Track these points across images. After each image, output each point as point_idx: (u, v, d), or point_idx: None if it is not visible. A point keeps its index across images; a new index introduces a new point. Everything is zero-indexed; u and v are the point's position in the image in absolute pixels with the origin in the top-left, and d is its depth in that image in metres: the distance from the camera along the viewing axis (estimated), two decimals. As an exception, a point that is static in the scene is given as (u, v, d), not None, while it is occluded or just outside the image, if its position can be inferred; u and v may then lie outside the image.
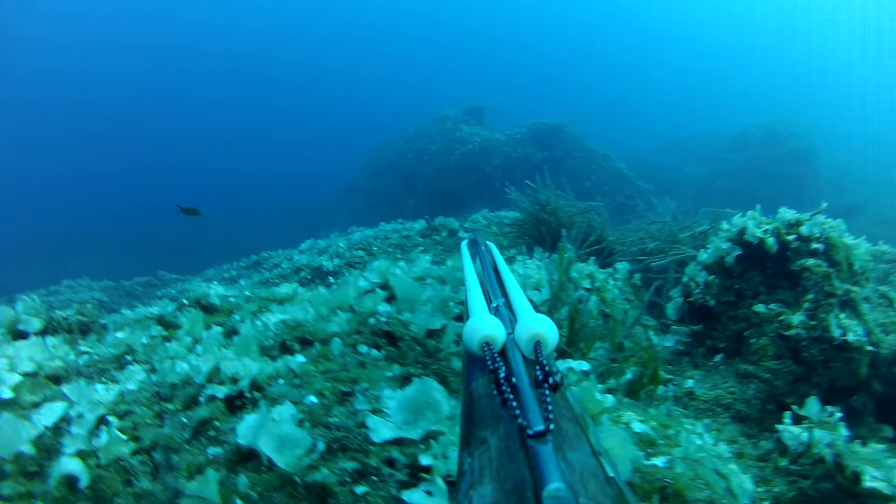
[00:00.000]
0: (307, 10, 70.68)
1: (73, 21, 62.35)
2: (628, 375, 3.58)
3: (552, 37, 70.91)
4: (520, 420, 0.81)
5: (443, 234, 9.30)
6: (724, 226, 4.52)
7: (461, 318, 3.82)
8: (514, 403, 0.86)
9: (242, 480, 2.10)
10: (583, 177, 19.36)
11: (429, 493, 2.11)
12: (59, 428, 2.51)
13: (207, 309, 4.03)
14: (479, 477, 0.84)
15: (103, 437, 2.40)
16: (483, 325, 1.18)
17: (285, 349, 3.01)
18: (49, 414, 2.53)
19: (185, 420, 2.49)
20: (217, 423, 2.43)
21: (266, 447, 2.14)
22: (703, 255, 4.57)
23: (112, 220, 32.58)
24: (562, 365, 3.05)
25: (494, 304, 1.47)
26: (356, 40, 69.46)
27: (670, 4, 74.50)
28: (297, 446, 2.15)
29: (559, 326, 3.74)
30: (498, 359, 1.05)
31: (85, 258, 21.20)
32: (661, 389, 3.68)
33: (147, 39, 63.69)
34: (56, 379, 2.95)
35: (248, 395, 2.56)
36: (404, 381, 2.71)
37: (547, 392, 0.89)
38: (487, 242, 2.49)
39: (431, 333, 3.39)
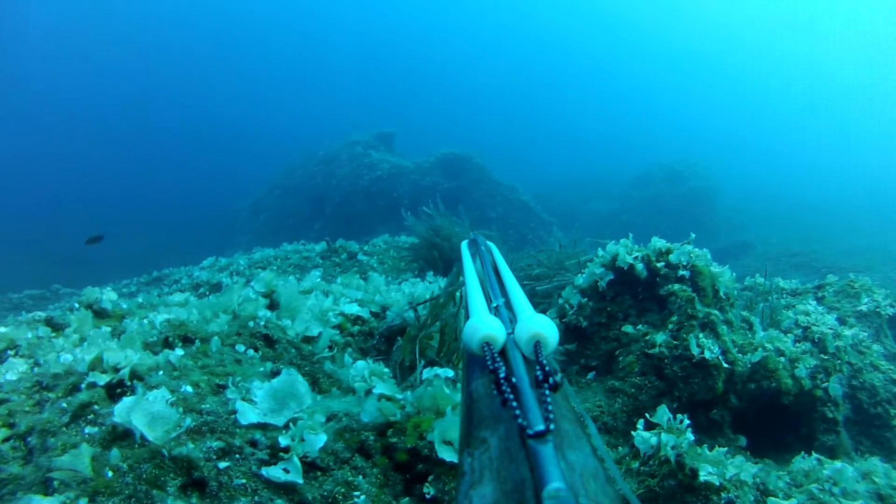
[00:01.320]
0: (222, 25, 69.92)
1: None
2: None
3: (465, 69, 71.76)
4: (520, 420, 0.81)
5: (342, 255, 9.48)
6: (600, 252, 4.79)
7: (339, 327, 4.07)
8: (515, 403, 0.86)
9: (115, 454, 2.27)
10: (488, 207, 19.66)
11: (286, 470, 2.33)
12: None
13: (99, 314, 4.11)
14: (480, 477, 0.85)
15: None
16: (483, 325, 1.19)
17: (167, 345, 3.19)
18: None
19: (64, 405, 2.64)
20: (96, 408, 2.59)
21: (139, 423, 2.33)
22: (579, 280, 4.82)
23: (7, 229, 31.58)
24: (429, 372, 3.25)
25: (494, 305, 1.48)
26: (270, 58, 69.04)
27: (579, 43, 76.40)
28: (167, 422, 2.35)
29: (430, 338, 4.02)
30: (498, 359, 1.04)
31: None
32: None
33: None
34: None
35: (128, 382, 2.73)
36: (274, 376, 2.91)
37: (547, 392, 0.89)
38: (488, 243, 2.45)
39: (308, 339, 3.61)
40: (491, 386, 0.98)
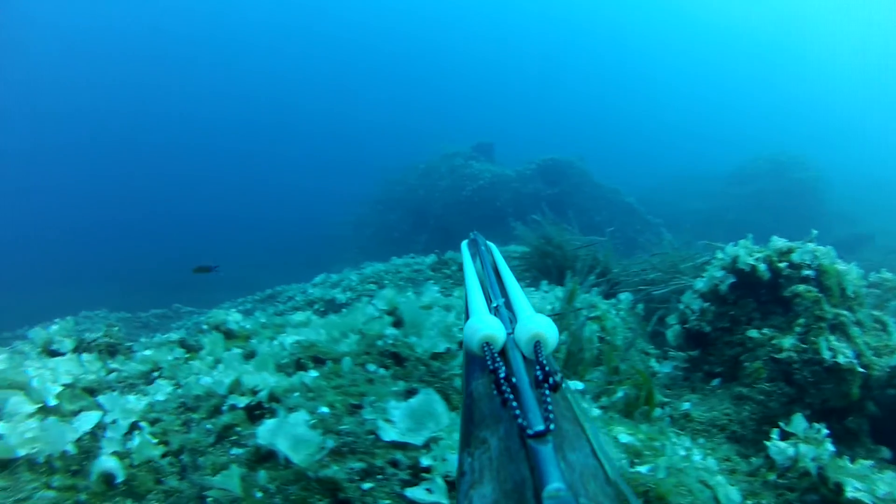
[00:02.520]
0: (317, 44, 71.18)
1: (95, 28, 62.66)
2: (619, 394, 3.78)
3: (559, 73, 71.30)
4: (520, 420, 0.80)
5: (452, 267, 9.46)
6: (719, 255, 4.66)
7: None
8: (515, 403, 0.85)
9: (262, 475, 2.35)
10: (592, 212, 19.35)
11: (429, 490, 2.35)
12: (96, 433, 2.77)
13: (226, 334, 4.26)
14: (480, 477, 0.85)
15: (136, 441, 2.66)
16: (483, 325, 1.16)
17: (299, 366, 3.26)
18: (86, 420, 2.79)
19: (209, 426, 2.75)
20: (239, 429, 2.69)
21: (282, 446, 2.40)
22: (699, 284, 4.72)
23: (124, 251, 32.79)
24: None
25: (494, 304, 1.42)
26: (367, 76, 69.73)
27: (675, 40, 74.92)
28: (310, 445, 2.41)
29: (557, 350, 3.99)
30: (498, 359, 1.03)
31: (98, 289, 21.33)
32: (657, 411, 3.84)
33: (157, 60, 64.16)
34: (91, 391, 3.22)
35: (266, 405, 2.82)
36: (409, 395, 2.94)
37: (547, 392, 0.88)
38: (488, 242, 2.31)
39: (436, 356, 3.63)
40: (491, 386, 0.97)
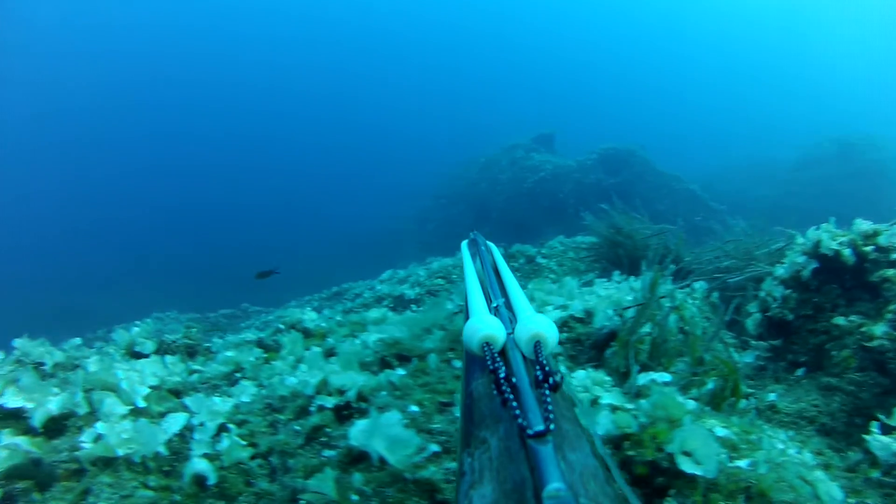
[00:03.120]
0: (379, 39, 71.27)
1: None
2: (709, 386, 3.66)
3: (616, 61, 70.31)
4: (520, 420, 0.80)
5: (520, 260, 9.38)
6: (799, 240, 4.52)
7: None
8: (514, 403, 0.85)
9: (357, 478, 2.29)
10: (655, 200, 18.96)
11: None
12: (184, 435, 2.75)
13: (303, 333, 4.24)
14: (479, 477, 0.85)
15: (224, 443, 2.63)
16: (483, 325, 1.16)
17: (385, 364, 3.21)
18: (174, 422, 2.78)
19: (297, 428, 2.71)
20: (328, 430, 2.64)
21: (379, 446, 2.33)
22: (780, 270, 4.56)
23: (192, 252, 33.31)
24: (644, 378, 3.14)
25: (494, 304, 1.43)
26: (428, 71, 69.61)
27: (735, 23, 73.28)
28: (407, 446, 2.34)
29: (641, 342, 3.89)
30: (498, 359, 1.03)
31: (167, 290, 21.63)
32: (742, 403, 3.72)
33: (212, 60, 65.05)
34: (176, 392, 3.22)
35: (354, 405, 2.77)
36: None
37: (547, 392, 0.88)
38: (488, 242, 2.44)
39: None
40: (491, 386, 0.96)
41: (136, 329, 4.26)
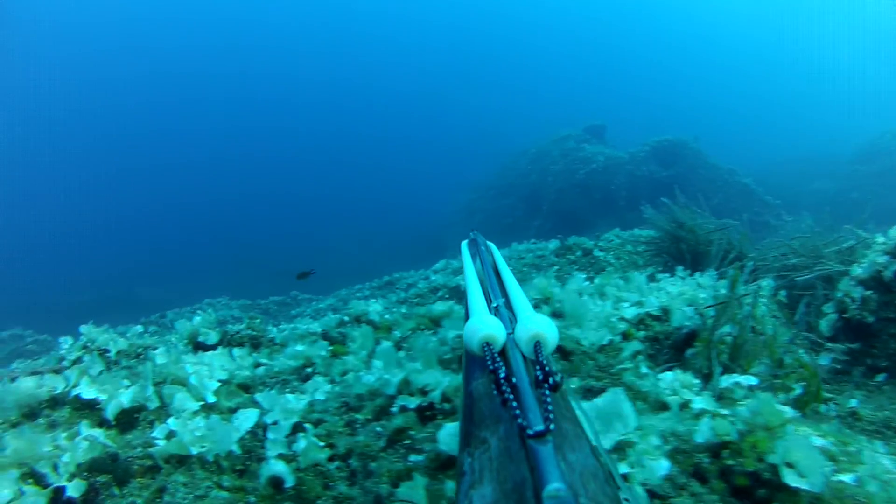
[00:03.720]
0: (425, 33, 71.24)
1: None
2: (797, 391, 3.48)
3: (668, 52, 69.36)
4: (520, 420, 0.80)
5: (577, 253, 9.22)
6: (879, 238, 4.36)
7: (625, 334, 3.82)
8: (515, 403, 0.85)
9: (450, 486, 2.16)
10: (709, 194, 18.50)
11: (626, 500, 2.12)
12: (255, 433, 2.63)
13: (370, 325, 4.13)
14: (479, 477, 0.85)
15: (301, 443, 2.50)
16: (483, 325, 1.17)
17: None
18: (246, 419, 2.66)
19: (379, 429, 2.58)
20: (412, 433, 2.50)
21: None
22: (858, 270, 4.39)
23: (243, 239, 33.68)
24: (727, 380, 2.97)
25: (494, 305, 1.45)
26: (477, 62, 69.30)
27: (791, 15, 71.85)
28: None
29: (721, 342, 3.71)
30: (498, 359, 1.03)
31: (217, 277, 21.88)
32: (822, 408, 3.56)
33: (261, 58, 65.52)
34: (245, 387, 3.11)
35: (438, 406, 2.63)
36: (586, 392, 2.74)
37: (547, 392, 0.88)
38: (488, 242, 2.45)
39: (601, 348, 3.39)
40: (491, 386, 0.96)
41: (198, 319, 4.17)
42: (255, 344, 4.04)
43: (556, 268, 8.88)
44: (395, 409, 2.63)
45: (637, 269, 8.01)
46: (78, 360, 4.11)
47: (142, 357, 4.22)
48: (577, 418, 1.07)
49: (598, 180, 20.09)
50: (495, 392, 0.91)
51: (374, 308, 4.55)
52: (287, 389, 3.09)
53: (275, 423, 2.65)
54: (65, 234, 39.74)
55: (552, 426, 0.77)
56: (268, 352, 3.82)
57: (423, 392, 2.67)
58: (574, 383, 2.89)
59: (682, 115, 45.39)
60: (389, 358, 3.06)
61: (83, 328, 4.42)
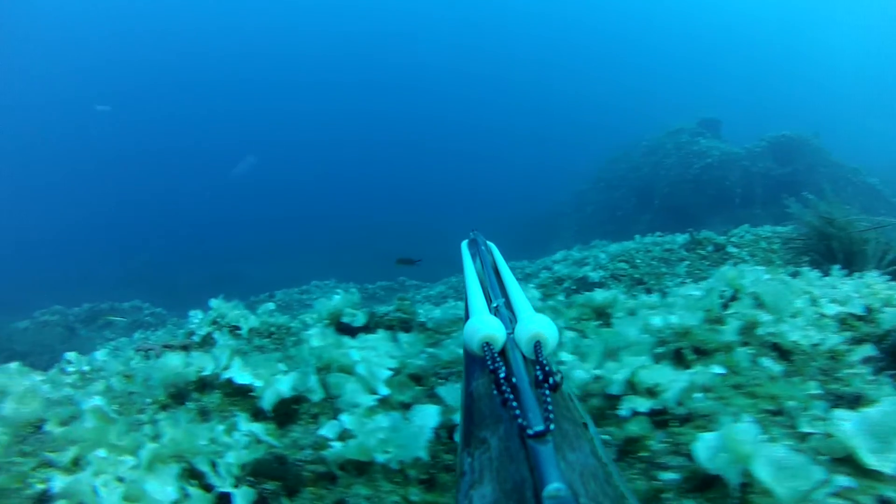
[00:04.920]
0: (534, 21, 70.42)
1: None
2: None
3: (787, 43, 66.74)
4: (520, 420, 0.81)
5: (708, 248, 8.73)
6: None
7: (857, 338, 3.29)
8: (515, 403, 0.86)
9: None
10: (831, 193, 17.77)
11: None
12: (438, 434, 2.18)
13: None
14: (479, 477, 0.85)
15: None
16: (483, 325, 1.16)
17: (679, 358, 2.56)
18: (425, 416, 2.20)
19: (606, 437, 2.09)
20: (649, 443, 2.00)
21: (763, 474, 1.66)
22: None
23: (348, 224, 34.06)
24: None
25: (494, 304, 1.44)
26: (589, 51, 68.20)
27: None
28: (801, 477, 1.67)
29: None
30: (498, 359, 1.04)
31: (322, 260, 21.97)
32: None
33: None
34: (417, 378, 2.65)
35: (672, 410, 2.12)
36: (838, 399, 2.26)
37: (547, 392, 0.89)
38: (488, 242, 2.43)
39: (821, 349, 2.86)
40: (491, 386, 0.98)
41: (338, 298, 3.76)
42: (406, 328, 3.60)
43: (686, 262, 8.44)
44: (624, 413, 2.12)
45: (775, 267, 7.58)
46: (208, 336, 4.01)
47: (275, 337, 4.00)
48: (577, 418, 1.05)
49: (713, 176, 19.37)
50: (495, 392, 0.93)
51: (532, 294, 4.13)
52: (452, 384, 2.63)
53: (472, 422, 2.17)
54: (177, 212, 41.91)
55: (552, 426, 0.78)
56: (424, 337, 3.37)
57: (651, 392, 2.17)
58: (810, 387, 2.35)
59: (799, 108, 43.33)
60: (593, 350, 2.58)
61: (213, 302, 4.26)
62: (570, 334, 2.98)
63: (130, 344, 9.53)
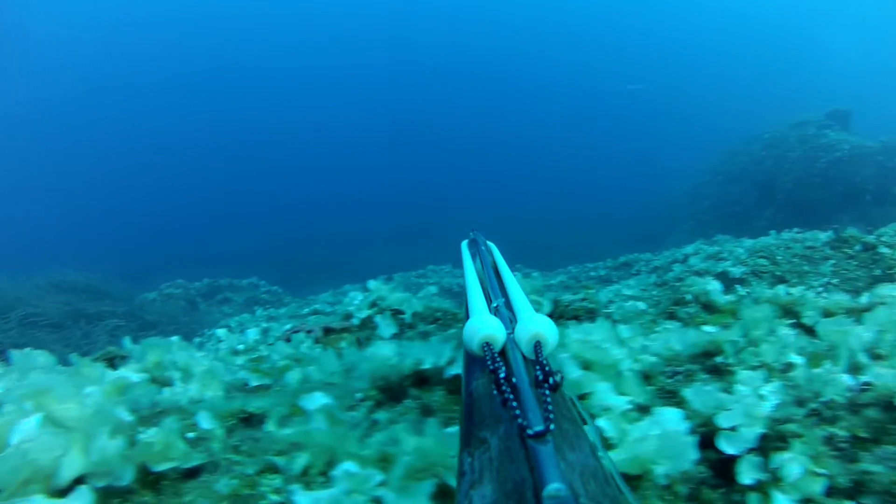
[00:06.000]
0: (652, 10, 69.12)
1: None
2: None
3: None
4: (520, 420, 0.81)
5: (856, 247, 8.25)
6: None
7: None
8: (515, 403, 0.86)
9: None
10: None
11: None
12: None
13: (708, 307, 3.61)
14: (479, 477, 0.84)
15: (793, 469, 1.75)
16: (483, 326, 1.17)
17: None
18: (670, 421, 1.92)
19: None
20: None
21: None
22: None
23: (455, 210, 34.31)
24: None
25: (494, 304, 1.46)
26: (699, 41, 66.15)
27: None
28: None
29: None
30: (498, 359, 1.04)
31: (430, 244, 22.06)
32: None
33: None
34: (646, 377, 2.38)
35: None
36: None
37: (547, 392, 0.89)
38: (488, 242, 2.45)
39: None
40: (491, 386, 0.98)
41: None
42: (591, 319, 3.34)
43: (831, 262, 7.99)
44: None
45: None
46: (368, 320, 3.90)
47: (441, 322, 3.84)
48: (577, 418, 1.04)
49: (842, 171, 18.28)
50: (495, 392, 0.92)
51: (714, 286, 3.86)
52: (698, 382, 2.34)
53: (733, 428, 1.90)
54: (292, 195, 43.14)
55: (552, 426, 0.78)
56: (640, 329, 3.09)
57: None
58: None
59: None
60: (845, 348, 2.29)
61: (371, 284, 4.17)
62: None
63: (253, 321, 9.64)
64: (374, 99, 58.85)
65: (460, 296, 3.69)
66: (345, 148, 51.68)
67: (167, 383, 2.45)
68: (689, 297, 3.73)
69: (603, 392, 2.04)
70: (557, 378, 0.95)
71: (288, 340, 3.43)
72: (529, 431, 0.77)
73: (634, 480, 1.76)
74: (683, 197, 24.09)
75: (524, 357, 1.11)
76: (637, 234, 19.56)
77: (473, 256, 2.17)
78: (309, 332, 3.68)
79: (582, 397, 2.07)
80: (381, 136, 53.05)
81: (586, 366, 2.19)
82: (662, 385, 2.35)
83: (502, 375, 0.94)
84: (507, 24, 66.77)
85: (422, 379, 2.31)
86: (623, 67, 61.68)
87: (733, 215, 19.49)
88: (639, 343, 2.61)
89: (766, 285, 7.55)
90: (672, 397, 2.27)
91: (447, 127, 55.66)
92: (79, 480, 1.61)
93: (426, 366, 2.29)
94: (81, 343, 9.30)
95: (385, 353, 2.34)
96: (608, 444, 1.82)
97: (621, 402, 2.03)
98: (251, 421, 2.15)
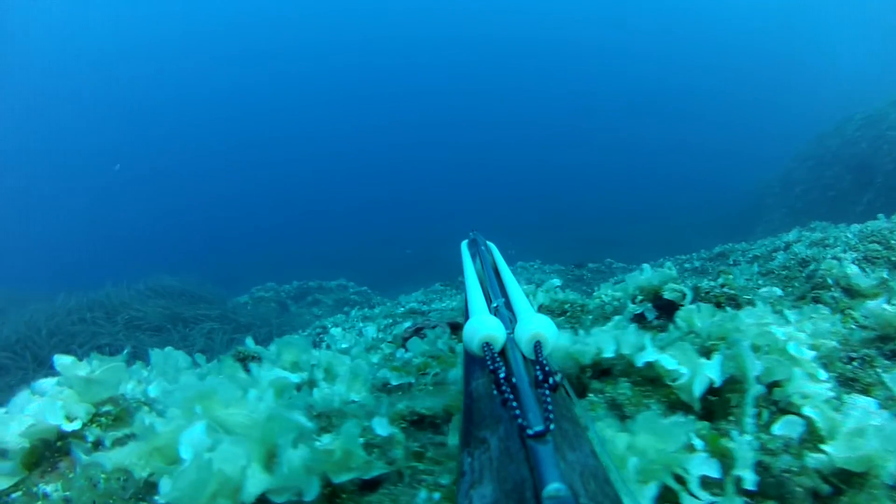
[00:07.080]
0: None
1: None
2: None
3: None
4: (520, 420, 0.81)
5: None
6: None
7: None
8: (514, 403, 0.86)
9: None
10: None
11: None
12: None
13: (849, 291, 3.51)
14: (479, 477, 0.85)
15: None
16: (483, 326, 1.18)
17: None
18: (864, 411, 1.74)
19: None
20: None
21: None
22: None
23: (556, 205, 34.16)
24: None
25: (494, 305, 1.47)
26: (805, 15, 64.03)
27: None
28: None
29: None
30: (498, 359, 1.05)
31: (522, 239, 21.95)
32: None
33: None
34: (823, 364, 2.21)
35: None
36: None
37: (547, 392, 0.90)
38: (488, 242, 2.45)
39: None
40: (491, 386, 0.99)
41: (648, 272, 3.36)
42: (735, 306, 3.16)
43: None
44: None
45: None
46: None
47: (569, 315, 3.71)
48: (577, 418, 1.04)
49: (952, 151, 17.36)
50: (495, 392, 0.94)
51: (853, 270, 3.77)
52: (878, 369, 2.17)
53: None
54: (378, 200, 43.66)
55: (552, 426, 0.79)
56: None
57: None
58: None
59: None
60: None
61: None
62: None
63: (348, 321, 9.65)
64: (470, 97, 59.48)
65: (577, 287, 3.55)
66: (419, 149, 52.17)
67: (313, 384, 2.38)
68: (829, 280, 3.55)
69: (800, 378, 1.87)
70: (557, 378, 0.96)
71: (415, 338, 3.33)
72: (529, 431, 0.78)
73: (857, 478, 1.58)
74: (771, 185, 23.40)
75: (524, 357, 1.12)
76: (725, 225, 19.12)
77: (473, 257, 2.15)
78: (433, 327, 3.60)
79: (775, 384, 1.91)
80: (463, 137, 53.64)
81: (762, 351, 2.02)
82: (842, 371, 2.18)
83: (502, 375, 0.96)
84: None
85: (601, 370, 2.16)
86: (713, 59, 60.69)
87: (827, 201, 18.75)
88: (808, 328, 2.44)
89: (884, 271, 7.22)
90: (854, 384, 2.11)
91: (536, 125, 55.56)
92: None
93: (607, 354, 2.12)
94: (180, 345, 9.50)
95: (561, 342, 2.21)
96: (818, 436, 1.65)
97: (821, 390, 1.86)
98: (422, 424, 2.06)
